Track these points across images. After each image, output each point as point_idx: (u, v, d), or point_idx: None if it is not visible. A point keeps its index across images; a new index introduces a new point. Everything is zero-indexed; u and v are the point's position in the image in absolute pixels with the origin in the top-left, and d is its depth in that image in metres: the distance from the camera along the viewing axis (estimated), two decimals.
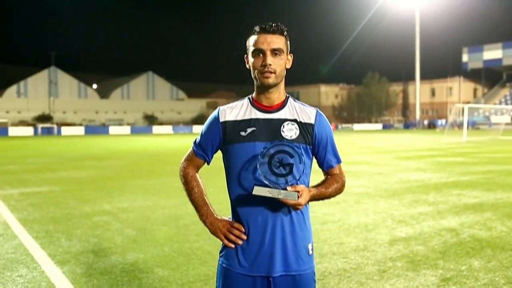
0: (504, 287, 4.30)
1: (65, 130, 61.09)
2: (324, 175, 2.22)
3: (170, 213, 7.76)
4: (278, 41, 2.03)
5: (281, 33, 2.06)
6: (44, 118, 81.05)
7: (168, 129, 67.96)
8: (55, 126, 63.24)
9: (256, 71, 2.05)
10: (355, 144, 30.74)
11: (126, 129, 65.74)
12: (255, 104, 2.11)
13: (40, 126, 62.86)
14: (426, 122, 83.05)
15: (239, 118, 2.08)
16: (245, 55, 2.13)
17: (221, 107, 2.15)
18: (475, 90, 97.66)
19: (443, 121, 72.60)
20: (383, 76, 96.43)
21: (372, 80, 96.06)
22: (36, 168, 15.96)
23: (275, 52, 2.02)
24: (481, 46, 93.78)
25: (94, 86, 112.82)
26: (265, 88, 2.07)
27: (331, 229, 6.58)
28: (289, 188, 1.93)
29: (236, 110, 2.11)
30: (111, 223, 7.10)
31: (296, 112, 2.10)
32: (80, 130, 62.69)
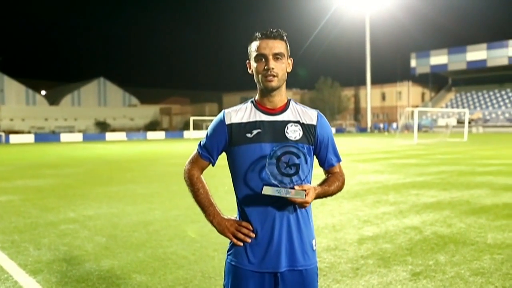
0: (470, 279, 4.57)
1: (13, 138, 58.87)
2: (325, 174, 2.34)
3: (139, 219, 7.71)
4: (279, 46, 2.14)
5: (282, 38, 2.16)
6: None
7: (122, 135, 66.74)
8: (2, 134, 60.83)
9: (259, 75, 2.14)
10: None
11: (78, 136, 64.07)
12: (259, 107, 2.21)
13: None
14: (381, 125, 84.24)
15: (244, 120, 2.17)
16: (247, 61, 2.23)
17: (226, 110, 2.24)
18: (423, 94, 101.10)
19: (394, 124, 74.60)
20: (335, 81, 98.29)
21: (325, 84, 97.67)
22: None
23: (277, 56, 2.13)
24: (428, 51, 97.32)
25: (43, 92, 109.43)
26: (268, 92, 2.16)
27: None
28: (296, 187, 2.03)
29: (241, 113, 2.20)
30: (79, 231, 6.99)
31: (299, 114, 2.21)
32: (30, 138, 60.59)
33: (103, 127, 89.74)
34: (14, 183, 13.45)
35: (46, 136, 64.46)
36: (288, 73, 2.22)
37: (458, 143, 35.15)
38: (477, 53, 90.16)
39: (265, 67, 2.12)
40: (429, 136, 50.16)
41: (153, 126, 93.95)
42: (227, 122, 2.19)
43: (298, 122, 2.18)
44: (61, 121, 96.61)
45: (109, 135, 66.07)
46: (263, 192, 2.01)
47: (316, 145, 2.23)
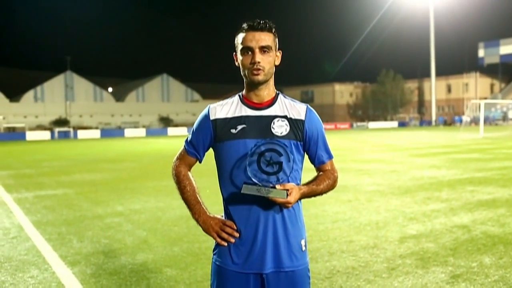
0: None
1: (81, 134, 61.70)
2: (316, 171, 2.21)
3: (182, 214, 7.79)
4: (266, 38, 2.03)
5: (269, 30, 2.05)
6: (61, 122, 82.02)
7: (184, 130, 68.22)
8: (71, 130, 63.91)
9: (245, 69, 2.05)
10: (369, 142, 30.55)
11: (142, 132, 66.16)
12: (245, 101, 2.11)
13: (57, 130, 63.57)
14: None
15: (229, 115, 2.09)
16: (234, 53, 2.13)
17: (211, 105, 2.16)
18: (492, 86, 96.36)
19: (464, 117, 70.82)
20: (397, 73, 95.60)
21: (387, 77, 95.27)
22: (51, 171, 16.16)
23: (264, 49, 2.03)
24: (498, 40, 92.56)
25: (110, 89, 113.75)
26: (254, 86, 2.07)
27: (341, 228, 6.55)
28: (278, 186, 1.92)
29: (227, 108, 2.12)
30: (123, 224, 7.16)
31: (287, 109, 2.10)
32: (96, 133, 63.26)
33: (166, 122, 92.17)
34: (73, 177, 14.04)
35: (112, 132, 67.05)
36: (276, 66, 2.11)
37: None
38: None
39: (251, 61, 2.02)
40: (497, 130, 47.73)
41: None
42: (212, 117, 2.11)
43: (285, 117, 2.08)
44: (126, 117, 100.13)
45: (171, 130, 67.79)
46: (242, 191, 1.93)
47: (305, 141, 2.11)
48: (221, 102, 2.16)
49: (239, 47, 2.06)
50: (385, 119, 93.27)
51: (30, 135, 58.95)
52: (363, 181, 11.23)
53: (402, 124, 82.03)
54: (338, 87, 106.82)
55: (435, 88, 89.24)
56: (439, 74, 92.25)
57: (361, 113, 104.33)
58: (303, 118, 2.09)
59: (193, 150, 2.19)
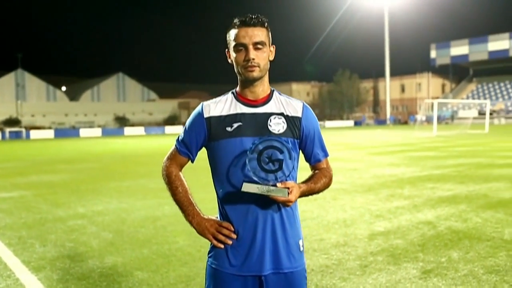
0: (484, 277, 4.36)
1: (34, 134, 59.71)
2: (311, 169, 2.18)
3: (147, 215, 7.63)
4: (259, 34, 1.97)
5: (262, 25, 1.99)
6: (12, 122, 79.17)
7: (140, 130, 67.19)
8: (23, 130, 61.74)
9: (239, 66, 1.99)
10: (328, 141, 30.89)
11: (97, 131, 64.68)
12: (240, 98, 2.05)
13: (7, 130, 61.27)
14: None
15: (224, 113, 2.02)
16: (226, 50, 2.06)
17: (205, 103, 2.08)
18: (443, 86, 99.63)
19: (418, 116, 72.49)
20: (353, 73, 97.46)
21: (343, 77, 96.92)
22: (5, 173, 15.53)
23: (258, 45, 1.97)
24: (448, 42, 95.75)
25: (63, 88, 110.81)
26: (249, 82, 2.01)
27: (310, 226, 6.57)
28: (279, 184, 1.87)
29: (221, 105, 2.04)
30: (87, 227, 6.94)
31: (283, 106, 2.05)
32: (50, 134, 61.39)
33: (122, 122, 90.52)
34: (29, 178, 13.53)
35: (66, 132, 65.26)
36: (270, 61, 2.05)
37: (479, 135, 34.45)
38: (499, 43, 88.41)
39: (246, 58, 1.95)
40: (449, 128, 49.36)
41: (171, 120, 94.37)
42: (206, 115, 2.03)
43: (282, 114, 2.02)
44: (81, 116, 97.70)
45: (127, 130, 66.60)
46: (242, 189, 1.86)
47: (302, 139, 2.07)
48: (214, 99, 2.09)
49: (232, 43, 1.99)
50: (341, 118, 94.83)
51: None
52: None
53: (358, 123, 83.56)
54: (295, 86, 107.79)
55: (389, 88, 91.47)
56: (393, 74, 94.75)
57: (318, 112, 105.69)
58: (299, 115, 2.05)
59: (185, 150, 2.10)
